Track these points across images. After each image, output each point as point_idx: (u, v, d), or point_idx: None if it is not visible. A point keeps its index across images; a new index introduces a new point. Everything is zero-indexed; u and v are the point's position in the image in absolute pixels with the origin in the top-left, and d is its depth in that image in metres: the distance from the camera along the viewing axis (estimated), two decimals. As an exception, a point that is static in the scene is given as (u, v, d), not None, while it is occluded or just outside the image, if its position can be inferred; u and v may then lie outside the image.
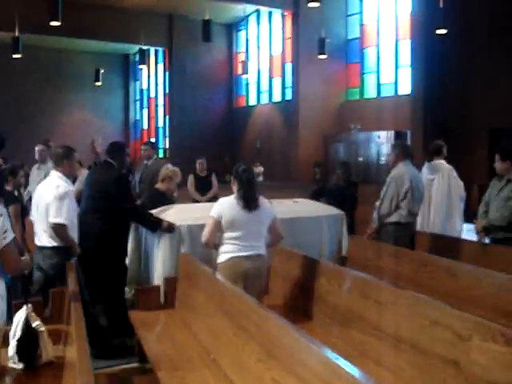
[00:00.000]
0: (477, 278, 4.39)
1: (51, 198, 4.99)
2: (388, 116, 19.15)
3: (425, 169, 7.60)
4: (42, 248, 5.12)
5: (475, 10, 15.42)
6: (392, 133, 18.32)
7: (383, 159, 18.40)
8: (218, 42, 25.92)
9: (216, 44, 25.51)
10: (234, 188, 4.63)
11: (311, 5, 12.32)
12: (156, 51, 28.81)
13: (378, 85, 20.53)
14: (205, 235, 4.61)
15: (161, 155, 26.19)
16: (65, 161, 5.22)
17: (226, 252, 4.57)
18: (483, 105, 15.41)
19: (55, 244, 5.05)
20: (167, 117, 27.26)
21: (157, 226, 5.58)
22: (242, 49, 26.34)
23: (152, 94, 30.55)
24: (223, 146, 24.74)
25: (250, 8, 23.71)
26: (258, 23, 25.18)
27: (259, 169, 20.36)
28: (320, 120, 21.02)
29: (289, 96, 22.50)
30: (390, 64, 20.01)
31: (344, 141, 20.23)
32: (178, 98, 25.10)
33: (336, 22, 21.38)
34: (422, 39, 16.31)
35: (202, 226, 4.82)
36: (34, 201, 5.33)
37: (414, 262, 5.45)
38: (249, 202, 4.54)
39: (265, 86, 25.06)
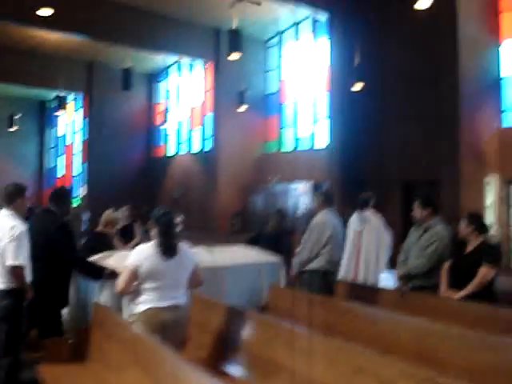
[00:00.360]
0: (397, 324, 4.42)
1: (7, 241, 4.84)
2: (304, 168, 19.46)
3: (354, 218, 7.72)
4: None
5: (391, 67, 16.12)
6: (308, 184, 18.64)
7: (300, 211, 18.66)
8: (138, 92, 25.88)
9: (136, 93, 25.44)
10: (153, 234, 4.49)
11: (231, 57, 12.45)
12: (75, 98, 28.40)
13: (296, 138, 20.94)
14: (119, 285, 4.40)
15: (77, 203, 25.52)
16: (18, 199, 5.13)
17: (143, 302, 4.38)
18: (397, 158, 15.95)
19: (8, 286, 4.93)
20: (84, 164, 26.72)
21: (100, 273, 5.47)
22: (162, 99, 26.37)
23: (69, 142, 29.95)
24: (142, 195, 24.38)
25: (170, 59, 23.88)
26: (179, 74, 25.34)
27: (178, 219, 20.12)
28: (239, 171, 21.15)
29: (208, 147, 22.58)
30: (307, 118, 20.49)
31: (262, 192, 20.38)
32: (97, 145, 24.70)
33: (256, 76, 21.82)
34: (339, 94, 16.84)
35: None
36: None
37: (333, 310, 5.45)
38: (167, 248, 4.39)
39: (184, 137, 25.08)
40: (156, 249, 4.37)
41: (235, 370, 4.50)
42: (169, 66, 25.53)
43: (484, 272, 5.29)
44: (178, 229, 19.06)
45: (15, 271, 4.87)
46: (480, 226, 5.68)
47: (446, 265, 5.74)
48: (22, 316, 4.95)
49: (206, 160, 22.35)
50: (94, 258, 5.80)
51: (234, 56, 12.26)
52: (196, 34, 20.21)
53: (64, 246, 5.50)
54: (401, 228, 15.16)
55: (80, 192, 27.25)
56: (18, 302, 5.00)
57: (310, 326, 5.37)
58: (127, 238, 9.77)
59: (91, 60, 23.97)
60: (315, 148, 19.76)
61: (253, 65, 21.61)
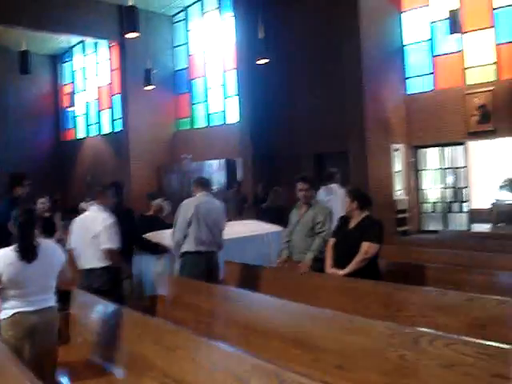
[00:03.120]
0: (273, 309, 4.24)
1: (101, 228, 5.57)
2: (218, 145, 19.29)
3: (321, 191, 9.25)
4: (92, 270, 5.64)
5: (295, 40, 16.04)
6: (223, 161, 18.47)
7: (215, 188, 18.47)
8: (43, 74, 24.92)
9: (40, 76, 24.49)
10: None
11: (129, 35, 11.95)
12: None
13: (207, 114, 20.66)
14: None
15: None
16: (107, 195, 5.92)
17: (10, 308, 4.06)
18: (306, 131, 15.96)
19: (105, 264, 5.60)
20: (-11, 153, 25.53)
21: (156, 249, 7.06)
22: (69, 80, 25.45)
23: (-28, 129, 28.55)
24: (53, 182, 23.54)
25: (75, 39, 23.01)
26: (84, 54, 24.48)
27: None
28: (152, 151, 20.72)
29: (118, 127, 21.98)
30: (218, 93, 20.23)
31: (176, 171, 20.06)
32: (3, 132, 23.56)
33: (163, 53, 21.33)
34: (246, 69, 16.67)
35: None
36: (76, 231, 5.87)
37: (206, 296, 5.26)
38: (25, 252, 4.04)
39: (93, 118, 24.34)
40: (15, 253, 4.01)
41: (117, 369, 4.27)
42: (73, 46, 24.62)
43: (365, 248, 5.20)
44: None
45: (110, 253, 5.56)
46: (362, 201, 5.58)
47: (331, 241, 5.64)
48: (120, 288, 5.86)
49: (117, 141, 21.77)
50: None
51: (132, 35, 11.73)
52: (98, 12, 19.46)
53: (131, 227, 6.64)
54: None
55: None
56: (116, 276, 5.73)
57: (181, 314, 5.22)
58: (50, 231, 9.09)
59: (-10, 43, 22.78)
60: (227, 123, 19.54)
61: (160, 41, 21.12)
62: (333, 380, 3.43)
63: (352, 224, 5.45)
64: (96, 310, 4.84)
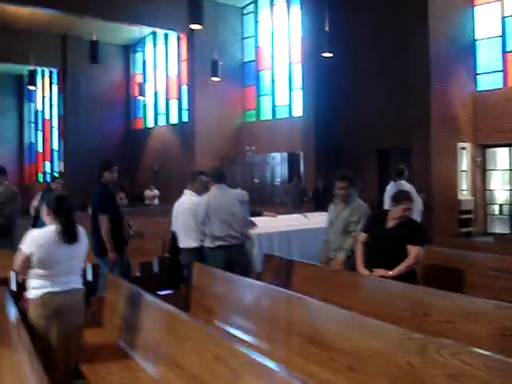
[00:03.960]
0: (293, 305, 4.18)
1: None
2: (283, 138, 19.25)
3: (390, 187, 9.95)
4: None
5: (361, 34, 15.76)
6: (285, 154, 18.43)
7: (278, 180, 18.48)
8: (115, 64, 25.50)
9: (112, 65, 25.08)
10: (48, 219, 4.22)
11: (193, 27, 12.06)
12: (50, 72, 27.94)
13: (273, 107, 20.63)
14: (17, 265, 4.19)
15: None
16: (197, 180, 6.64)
17: (39, 288, 4.16)
18: (371, 125, 15.69)
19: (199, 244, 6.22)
20: (61, 140, 26.39)
21: None
22: (139, 70, 25.95)
23: (47, 116, 29.58)
24: (121, 169, 24.02)
25: (146, 29, 23.41)
26: (155, 45, 24.91)
27: (154, 192, 19.96)
28: (217, 142, 20.86)
29: (185, 118, 22.24)
30: (284, 86, 20.17)
31: (240, 163, 20.13)
32: (73, 120, 24.32)
33: (232, 45, 21.42)
34: (311, 62, 16.52)
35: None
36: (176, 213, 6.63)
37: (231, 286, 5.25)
38: (69, 234, 4.15)
39: (162, 108, 24.76)
40: (55, 235, 4.11)
41: (137, 353, 4.32)
42: (145, 37, 25.06)
43: (416, 252, 5.00)
44: (154, 202, 18.82)
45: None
46: (397, 200, 5.36)
47: (362, 237, 5.41)
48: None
49: (184, 131, 22.06)
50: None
51: (196, 26, 11.84)
52: (168, 4, 19.70)
53: None
54: (377, 197, 15.01)
55: (59, 167, 26.99)
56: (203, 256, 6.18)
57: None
58: None
59: (65, 33, 23.49)
60: (293, 116, 19.46)
61: (229, 33, 21.23)
62: (344, 381, 3.37)
63: (390, 223, 5.22)
64: (128, 296, 4.90)
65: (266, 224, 7.58)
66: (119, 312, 4.87)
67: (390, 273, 5.02)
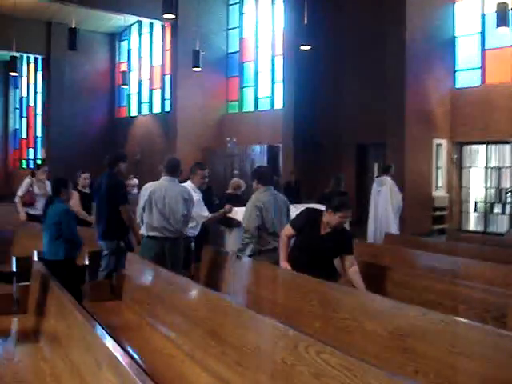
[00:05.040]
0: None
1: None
2: (264, 130, 19.20)
3: (374, 183, 10.97)
4: None
5: (342, 28, 15.73)
6: (265, 147, 18.38)
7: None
8: (100, 52, 25.35)
9: (98, 53, 24.96)
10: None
11: (167, 16, 12.00)
12: (36, 59, 27.75)
13: (256, 98, 20.58)
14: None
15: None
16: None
17: None
18: (350, 121, 15.68)
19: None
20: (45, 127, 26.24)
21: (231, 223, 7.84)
22: (124, 59, 25.82)
23: (31, 103, 29.44)
24: (103, 157, 23.93)
25: (131, 18, 23.26)
26: (140, 34, 24.79)
27: (134, 181, 19.85)
28: (199, 133, 20.79)
29: (168, 107, 22.16)
30: (267, 78, 20.12)
31: (220, 154, 20.07)
32: (57, 107, 24.19)
33: (217, 35, 21.30)
34: (292, 55, 16.45)
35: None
36: None
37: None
38: None
39: (146, 97, 24.65)
40: None
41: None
42: (131, 26, 24.92)
43: (353, 261, 4.98)
44: (133, 192, 18.71)
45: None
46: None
47: (287, 231, 5.30)
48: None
49: (166, 121, 22.00)
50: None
51: (169, 15, 11.79)
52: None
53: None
54: (354, 190, 15.04)
55: (42, 154, 26.85)
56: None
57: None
58: (89, 208, 9.04)
59: (49, 20, 23.32)
60: (275, 108, 19.40)
61: (213, 24, 21.11)
62: (232, 377, 3.41)
63: (322, 230, 5.13)
64: (147, 273, 5.48)
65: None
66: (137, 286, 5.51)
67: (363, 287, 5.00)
